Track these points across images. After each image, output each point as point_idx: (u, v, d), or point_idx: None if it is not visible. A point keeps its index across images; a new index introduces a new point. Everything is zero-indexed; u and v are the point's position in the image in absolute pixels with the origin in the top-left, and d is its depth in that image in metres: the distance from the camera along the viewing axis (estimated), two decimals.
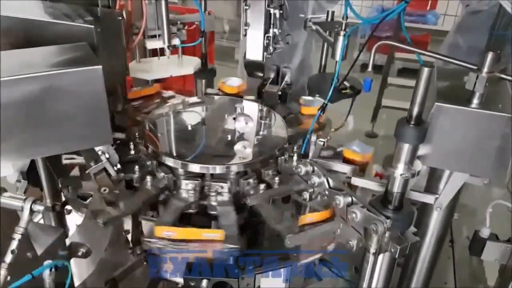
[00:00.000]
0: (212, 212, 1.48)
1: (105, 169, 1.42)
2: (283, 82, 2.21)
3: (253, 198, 1.43)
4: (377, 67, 4.23)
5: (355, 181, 1.37)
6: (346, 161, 1.45)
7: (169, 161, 1.49)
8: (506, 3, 1.17)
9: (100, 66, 1.21)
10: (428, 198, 1.32)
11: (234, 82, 2.04)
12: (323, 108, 1.62)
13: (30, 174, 1.52)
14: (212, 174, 1.51)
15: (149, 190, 1.45)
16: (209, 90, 2.10)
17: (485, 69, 1.09)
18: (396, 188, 1.13)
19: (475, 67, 1.12)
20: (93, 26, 1.40)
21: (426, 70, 1.00)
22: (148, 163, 1.54)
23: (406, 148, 1.08)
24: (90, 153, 1.37)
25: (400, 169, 1.10)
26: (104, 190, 1.37)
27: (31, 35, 1.42)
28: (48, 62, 1.22)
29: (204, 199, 1.49)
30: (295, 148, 1.62)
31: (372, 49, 1.35)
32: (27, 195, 1.14)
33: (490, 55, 1.09)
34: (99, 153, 1.36)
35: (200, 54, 2.22)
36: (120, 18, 1.60)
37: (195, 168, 1.47)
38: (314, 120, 1.63)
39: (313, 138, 1.48)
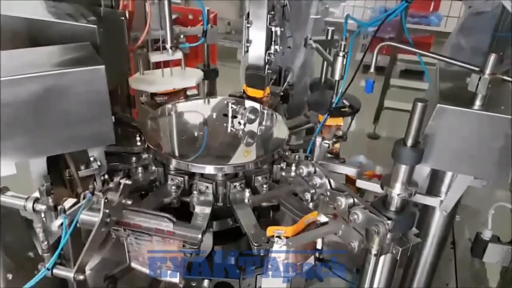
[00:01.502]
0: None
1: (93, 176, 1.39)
2: (285, 83, 2.22)
3: (255, 198, 1.42)
4: (380, 68, 4.22)
5: (360, 183, 1.36)
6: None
7: (160, 156, 1.52)
8: (508, 4, 1.17)
9: (103, 66, 1.21)
10: (432, 201, 1.31)
11: None
12: (330, 112, 1.65)
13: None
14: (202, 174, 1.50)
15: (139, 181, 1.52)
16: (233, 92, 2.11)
17: (488, 71, 1.09)
18: (393, 207, 1.14)
19: (477, 69, 1.12)
20: (96, 26, 1.40)
21: (419, 106, 1.00)
22: (145, 156, 1.58)
23: (403, 169, 1.09)
24: (82, 156, 1.35)
25: (397, 189, 1.11)
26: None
27: (34, 35, 1.42)
28: (51, 62, 1.22)
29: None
30: (296, 156, 1.60)
31: (374, 50, 1.35)
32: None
33: (492, 57, 1.09)
34: (91, 159, 1.34)
35: (202, 54, 2.22)
36: (123, 18, 1.61)
37: (182, 165, 1.47)
38: (321, 122, 1.62)
39: (318, 140, 1.46)
